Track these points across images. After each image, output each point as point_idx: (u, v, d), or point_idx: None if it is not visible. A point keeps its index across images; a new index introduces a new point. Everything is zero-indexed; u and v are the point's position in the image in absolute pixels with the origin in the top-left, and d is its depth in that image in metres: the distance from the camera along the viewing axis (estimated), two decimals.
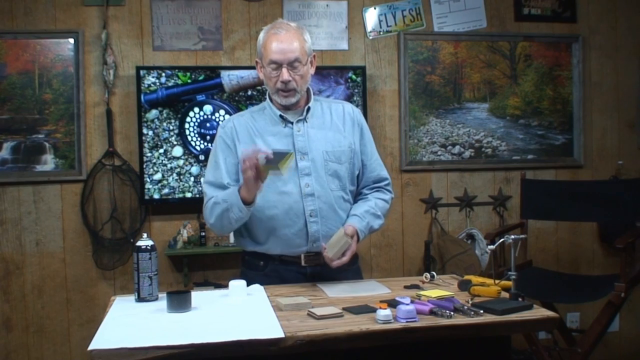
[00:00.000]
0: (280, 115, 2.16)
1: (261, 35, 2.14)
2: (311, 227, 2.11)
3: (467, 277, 2.08)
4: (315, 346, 1.57)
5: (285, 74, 2.07)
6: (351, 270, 2.24)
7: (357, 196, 2.27)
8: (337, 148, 2.17)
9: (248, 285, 2.07)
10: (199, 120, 3.53)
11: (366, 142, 2.27)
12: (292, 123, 2.16)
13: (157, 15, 3.59)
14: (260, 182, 1.95)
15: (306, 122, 2.18)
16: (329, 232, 2.11)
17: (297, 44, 2.08)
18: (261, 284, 2.09)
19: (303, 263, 2.15)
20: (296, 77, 2.09)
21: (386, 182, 2.31)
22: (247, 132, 2.17)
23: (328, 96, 3.62)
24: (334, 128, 2.20)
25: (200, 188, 3.53)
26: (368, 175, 2.27)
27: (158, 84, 3.49)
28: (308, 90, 2.20)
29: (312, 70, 2.17)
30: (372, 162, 2.28)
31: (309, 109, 2.18)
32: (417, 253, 3.89)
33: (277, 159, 1.90)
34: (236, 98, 3.58)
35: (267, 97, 2.22)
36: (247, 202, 2.01)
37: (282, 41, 2.07)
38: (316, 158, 2.14)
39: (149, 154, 3.49)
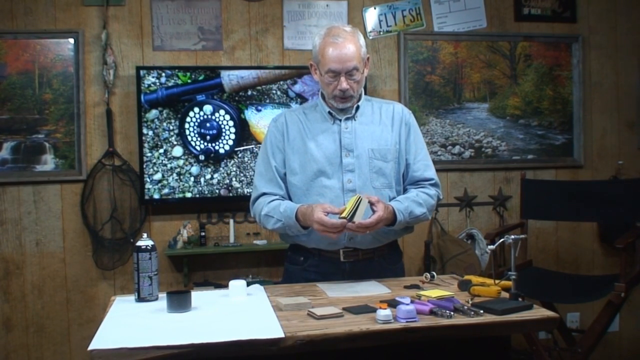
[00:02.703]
0: (329, 112, 2.19)
1: (317, 41, 2.15)
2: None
3: (467, 277, 2.08)
4: (315, 346, 1.57)
5: (343, 83, 2.10)
6: (394, 269, 2.27)
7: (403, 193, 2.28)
8: (383, 146, 2.19)
9: (291, 280, 2.16)
10: (199, 120, 3.53)
11: (412, 142, 2.25)
12: (340, 120, 2.19)
13: (157, 15, 3.59)
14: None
15: (354, 120, 2.20)
16: None
17: (354, 51, 2.10)
18: (301, 280, 2.16)
19: (342, 259, 2.17)
20: (353, 84, 2.12)
21: (431, 181, 2.27)
22: (297, 129, 2.21)
23: None
24: (381, 126, 2.22)
25: (200, 188, 3.53)
26: (412, 175, 2.25)
27: (158, 84, 3.49)
28: None
29: (366, 72, 2.20)
30: (417, 163, 2.25)
31: (357, 107, 2.21)
32: (417, 253, 3.88)
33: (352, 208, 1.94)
34: (236, 98, 3.58)
35: (319, 95, 2.25)
36: (306, 227, 2.07)
37: (340, 50, 2.08)
38: (361, 155, 2.16)
39: (149, 154, 3.49)
